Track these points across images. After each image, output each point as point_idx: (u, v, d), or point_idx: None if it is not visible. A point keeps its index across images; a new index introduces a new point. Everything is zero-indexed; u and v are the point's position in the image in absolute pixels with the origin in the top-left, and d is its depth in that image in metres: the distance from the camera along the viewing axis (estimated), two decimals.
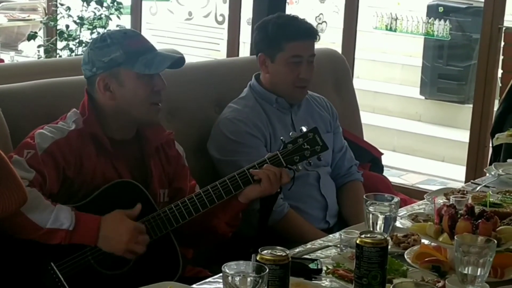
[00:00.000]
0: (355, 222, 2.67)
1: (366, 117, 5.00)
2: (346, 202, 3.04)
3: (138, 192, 2.36)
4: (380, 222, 2.15)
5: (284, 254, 1.80)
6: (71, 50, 6.08)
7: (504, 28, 4.65)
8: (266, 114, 2.95)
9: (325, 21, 6.98)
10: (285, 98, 2.99)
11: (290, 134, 2.46)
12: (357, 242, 1.87)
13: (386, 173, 3.62)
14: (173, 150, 2.56)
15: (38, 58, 6.47)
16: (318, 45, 3.10)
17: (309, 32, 2.95)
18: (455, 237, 1.89)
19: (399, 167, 6.23)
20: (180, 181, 2.54)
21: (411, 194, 3.95)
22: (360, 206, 2.30)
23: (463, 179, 4.78)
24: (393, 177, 5.44)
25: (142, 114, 2.40)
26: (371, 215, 2.16)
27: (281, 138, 2.47)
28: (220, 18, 8.00)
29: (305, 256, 2.19)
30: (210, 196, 2.37)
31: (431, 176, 6.14)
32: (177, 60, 2.43)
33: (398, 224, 2.34)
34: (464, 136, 5.47)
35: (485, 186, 2.87)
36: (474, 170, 4.72)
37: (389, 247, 2.04)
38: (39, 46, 6.39)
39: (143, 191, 2.37)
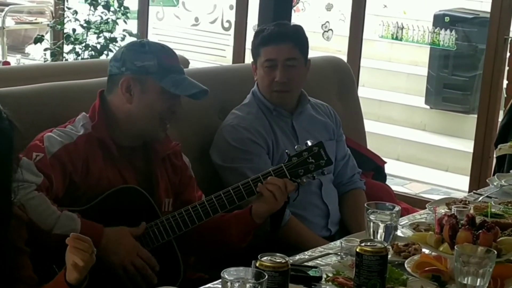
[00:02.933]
0: (357, 230, 2.68)
1: (370, 126, 5.00)
2: (348, 210, 3.04)
3: (142, 198, 2.37)
4: (381, 230, 2.16)
5: (283, 261, 1.80)
6: (78, 54, 6.10)
7: (510, 38, 4.66)
8: (268, 121, 2.96)
9: (331, 29, 6.97)
10: (274, 104, 2.98)
11: (296, 147, 2.47)
12: (357, 250, 1.88)
13: (389, 182, 3.62)
14: (180, 160, 2.57)
15: (45, 61, 6.49)
16: (323, 53, 3.11)
17: (281, 36, 2.93)
18: (455, 247, 1.89)
19: (403, 176, 6.22)
20: (188, 192, 2.55)
21: (414, 203, 3.95)
22: (362, 214, 2.30)
23: (467, 189, 4.77)
24: (396, 186, 5.44)
25: (150, 127, 2.41)
26: (372, 224, 2.17)
27: (286, 151, 2.49)
28: (226, 24, 8.01)
29: (305, 264, 2.19)
30: (213, 205, 2.39)
31: (435, 185, 6.13)
32: (202, 90, 2.45)
33: (399, 233, 2.33)
34: (468, 146, 5.47)
35: (487, 196, 2.87)
36: (477, 180, 4.71)
37: (390, 256, 2.05)
38: (45, 50, 6.40)
39: (147, 197, 2.38)
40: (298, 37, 2.96)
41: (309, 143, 2.46)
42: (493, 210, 2.46)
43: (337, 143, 3.11)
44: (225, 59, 7.59)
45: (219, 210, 2.39)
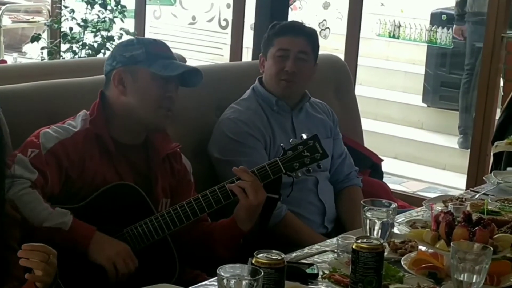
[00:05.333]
0: (352, 228, 2.68)
1: (368, 124, 5.01)
2: (344, 207, 3.04)
3: (137, 195, 2.37)
4: (377, 227, 2.15)
5: (279, 257, 1.79)
6: (75, 53, 6.09)
7: (506, 37, 4.66)
8: (267, 117, 2.96)
9: (328, 27, 6.99)
10: (276, 96, 2.98)
11: (291, 141, 2.46)
12: (353, 247, 1.87)
13: (387, 180, 3.62)
14: (179, 163, 2.57)
15: (42, 60, 6.48)
16: (320, 51, 3.12)
17: (297, 28, 3.02)
18: (452, 244, 1.89)
19: (400, 174, 6.22)
20: (183, 195, 2.53)
21: (412, 201, 3.95)
22: (357, 212, 2.30)
23: (464, 187, 4.77)
24: (394, 184, 5.44)
25: (149, 115, 2.41)
26: (368, 221, 2.16)
27: (281, 145, 2.48)
28: (223, 23, 8.00)
29: (302, 261, 2.19)
30: (193, 208, 2.38)
31: (432, 184, 6.13)
32: (193, 72, 2.46)
33: (395, 230, 2.33)
34: None
35: (484, 194, 2.87)
36: (475, 178, 4.71)
37: (386, 253, 2.05)
38: (42, 48, 6.39)
39: (142, 194, 2.37)
40: (313, 36, 3.04)
41: (304, 137, 2.45)
42: (489, 207, 2.45)
43: (334, 141, 3.11)
44: (222, 57, 7.59)
45: (206, 210, 2.39)
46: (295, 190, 2.67)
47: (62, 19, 6.28)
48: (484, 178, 3.11)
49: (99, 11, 6.13)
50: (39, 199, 2.21)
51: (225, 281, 1.68)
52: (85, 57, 5.98)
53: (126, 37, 5.93)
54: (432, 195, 4.09)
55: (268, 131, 2.93)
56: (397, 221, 2.40)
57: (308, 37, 3.00)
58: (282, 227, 2.81)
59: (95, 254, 2.25)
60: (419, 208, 2.72)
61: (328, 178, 3.07)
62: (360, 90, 5.00)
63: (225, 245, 2.47)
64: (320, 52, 3.10)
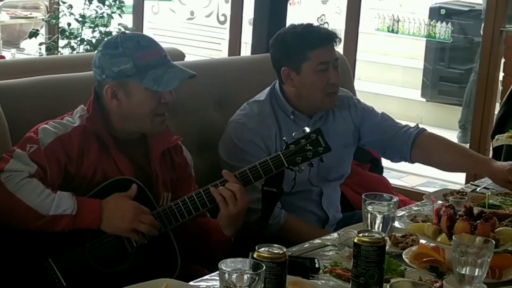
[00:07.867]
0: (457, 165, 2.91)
1: None
2: (435, 154, 2.99)
3: (138, 190, 2.36)
4: (378, 221, 2.15)
5: (281, 252, 1.79)
6: (73, 48, 6.08)
7: (506, 31, 4.65)
8: (279, 125, 2.85)
9: (327, 22, 6.99)
10: (305, 110, 2.88)
11: (293, 134, 2.42)
12: (355, 241, 1.87)
13: (386, 174, 3.62)
14: (180, 156, 2.56)
15: (40, 55, 6.47)
16: None
17: (330, 37, 2.84)
18: (453, 237, 1.89)
19: (399, 169, 6.21)
20: (185, 189, 2.52)
21: (411, 196, 3.95)
22: (450, 149, 2.74)
23: (463, 182, 4.77)
24: (393, 179, 5.42)
25: (146, 125, 2.40)
26: (369, 215, 2.16)
27: (284, 138, 2.44)
28: (222, 18, 8.00)
29: (303, 255, 2.19)
30: (194, 203, 2.36)
31: (431, 178, 6.13)
32: (188, 76, 2.41)
33: (396, 224, 2.33)
34: None
35: (484, 187, 2.87)
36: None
37: (388, 247, 2.05)
38: (40, 44, 6.38)
39: (144, 189, 2.36)
40: (336, 39, 2.89)
41: (307, 130, 2.42)
42: (490, 201, 2.46)
43: (364, 118, 3.06)
44: (220, 53, 7.59)
45: (200, 209, 2.37)
46: (299, 199, 2.63)
47: (60, 14, 6.27)
48: None
49: (97, 6, 6.12)
50: (40, 186, 2.21)
51: (226, 275, 1.68)
52: (83, 52, 5.97)
53: None
54: (432, 190, 4.09)
55: (277, 140, 2.83)
56: (398, 215, 2.40)
57: (335, 42, 2.86)
58: (284, 234, 2.73)
59: (110, 230, 2.27)
60: (420, 202, 2.72)
61: (339, 185, 3.00)
62: (359, 85, 4.99)
63: (218, 244, 2.47)
64: None
